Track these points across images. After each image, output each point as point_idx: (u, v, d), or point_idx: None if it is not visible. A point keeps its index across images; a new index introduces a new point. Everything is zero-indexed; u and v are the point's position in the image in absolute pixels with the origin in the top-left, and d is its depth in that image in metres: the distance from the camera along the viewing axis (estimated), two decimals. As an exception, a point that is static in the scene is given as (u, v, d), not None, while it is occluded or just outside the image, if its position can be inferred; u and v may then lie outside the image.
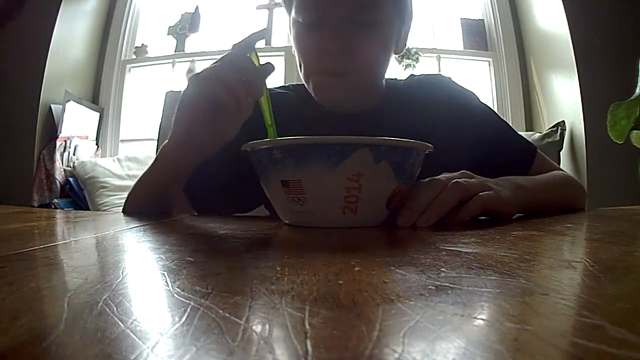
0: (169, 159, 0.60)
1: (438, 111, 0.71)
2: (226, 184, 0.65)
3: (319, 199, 0.44)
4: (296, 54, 0.70)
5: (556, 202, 0.65)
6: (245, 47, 0.52)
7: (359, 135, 0.42)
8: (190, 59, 2.70)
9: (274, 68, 0.54)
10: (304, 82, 0.72)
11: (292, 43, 0.71)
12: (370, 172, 0.42)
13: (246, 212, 0.76)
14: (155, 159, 0.64)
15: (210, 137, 0.55)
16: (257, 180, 0.50)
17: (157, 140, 0.97)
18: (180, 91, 0.98)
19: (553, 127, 2.10)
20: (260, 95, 0.52)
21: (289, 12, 0.71)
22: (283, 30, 2.67)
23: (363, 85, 0.70)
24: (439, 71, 2.56)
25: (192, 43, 2.76)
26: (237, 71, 0.50)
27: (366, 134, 0.43)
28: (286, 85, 0.81)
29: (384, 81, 0.76)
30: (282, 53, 2.57)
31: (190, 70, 2.65)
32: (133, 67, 2.82)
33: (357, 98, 0.71)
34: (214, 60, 0.53)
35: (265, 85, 0.53)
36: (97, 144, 2.66)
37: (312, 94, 0.71)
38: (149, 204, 0.65)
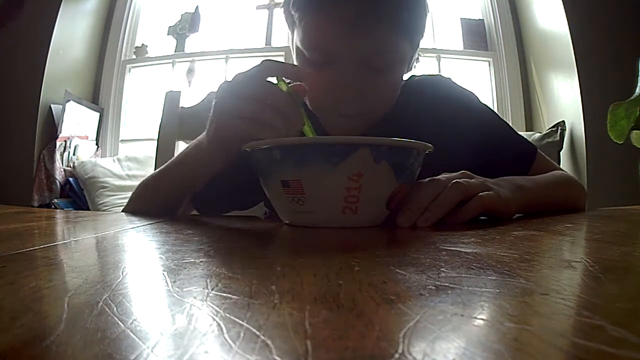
0: (201, 162, 0.59)
1: (438, 112, 0.71)
2: (225, 182, 0.65)
3: (319, 199, 0.44)
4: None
5: (556, 202, 0.65)
6: (270, 72, 0.49)
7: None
8: (190, 59, 2.70)
9: (306, 91, 0.50)
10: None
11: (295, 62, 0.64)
12: (370, 172, 0.42)
13: (246, 209, 0.76)
14: (178, 162, 0.64)
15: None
16: (255, 178, 0.50)
17: (157, 140, 0.97)
18: (180, 92, 0.96)
19: (553, 127, 2.10)
20: (301, 126, 0.49)
21: (292, 32, 0.65)
22: (283, 30, 2.67)
23: (376, 120, 0.66)
24: (439, 71, 2.56)
25: (192, 43, 2.76)
26: (275, 108, 0.47)
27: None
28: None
29: None
30: (282, 53, 2.57)
31: (190, 71, 2.65)
32: (133, 67, 2.82)
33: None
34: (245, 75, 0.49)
35: (303, 112, 0.49)
36: (97, 144, 2.66)
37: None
38: (166, 204, 0.65)
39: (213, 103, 0.53)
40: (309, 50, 0.59)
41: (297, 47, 0.62)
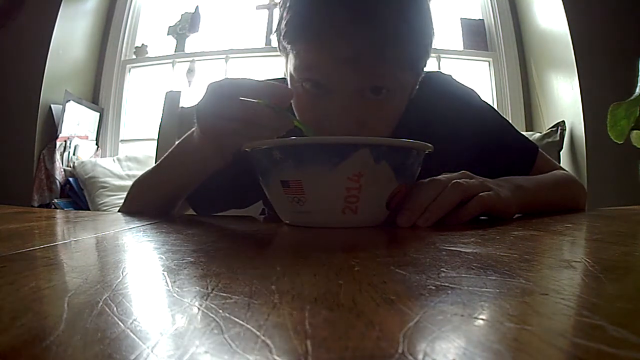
0: (190, 164, 0.59)
1: (438, 110, 0.71)
2: (222, 181, 0.65)
3: (319, 199, 0.44)
4: (296, 112, 0.60)
5: (556, 202, 0.65)
6: (252, 92, 0.46)
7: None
8: (190, 59, 2.70)
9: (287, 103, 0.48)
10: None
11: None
12: (370, 172, 0.42)
13: (243, 208, 0.76)
14: (169, 161, 0.63)
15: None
16: (253, 176, 0.50)
17: (157, 140, 0.97)
18: (180, 92, 0.96)
19: (553, 127, 2.10)
20: (290, 127, 0.48)
21: (285, 58, 0.61)
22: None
23: None
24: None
25: (192, 43, 2.76)
26: (259, 124, 0.46)
27: None
28: (285, 78, 0.79)
29: None
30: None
31: (190, 71, 2.65)
32: (133, 67, 2.82)
33: None
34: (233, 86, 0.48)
35: (288, 114, 0.48)
36: (97, 144, 2.66)
37: None
38: (160, 204, 0.65)
39: (195, 119, 0.52)
40: (303, 81, 0.57)
41: (290, 73, 0.59)
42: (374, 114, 0.57)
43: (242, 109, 0.46)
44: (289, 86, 0.60)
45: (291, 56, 0.58)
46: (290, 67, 0.58)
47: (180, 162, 0.62)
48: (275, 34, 0.61)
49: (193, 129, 0.57)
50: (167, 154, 0.64)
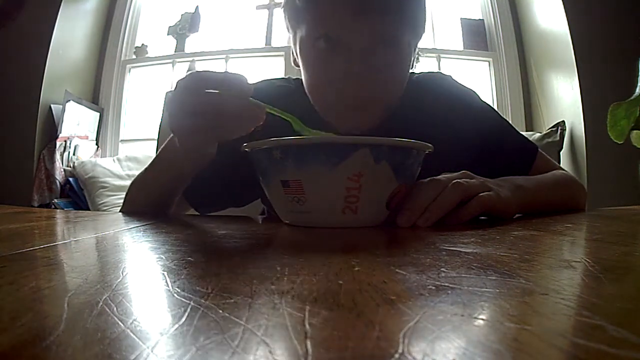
0: (176, 163, 0.59)
1: (438, 110, 0.71)
2: (221, 178, 0.65)
3: (319, 199, 0.44)
4: (305, 78, 0.65)
5: (556, 202, 0.65)
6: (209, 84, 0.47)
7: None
8: (190, 59, 2.69)
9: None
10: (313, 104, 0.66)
11: (301, 66, 0.65)
12: (370, 172, 0.42)
13: (242, 206, 0.76)
14: (159, 160, 0.64)
15: (213, 146, 0.54)
16: (251, 174, 0.50)
17: (157, 140, 0.97)
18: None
19: (553, 127, 2.10)
20: (263, 114, 0.46)
21: (294, 29, 0.65)
22: (283, 30, 2.67)
23: (385, 113, 0.65)
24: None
25: (192, 43, 2.76)
26: (226, 113, 0.46)
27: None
28: (286, 77, 0.79)
29: None
30: (282, 53, 2.57)
31: (190, 70, 2.64)
32: (133, 67, 2.82)
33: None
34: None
35: (258, 102, 0.47)
36: (97, 144, 2.66)
37: (328, 120, 0.65)
38: (155, 203, 0.65)
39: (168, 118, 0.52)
40: (314, 40, 0.61)
41: (301, 39, 0.63)
42: (379, 72, 0.61)
43: (204, 102, 0.45)
44: (299, 55, 0.65)
45: (303, 19, 0.62)
46: (302, 34, 0.62)
47: (169, 159, 0.62)
48: (283, 8, 0.66)
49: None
50: (159, 150, 0.64)
